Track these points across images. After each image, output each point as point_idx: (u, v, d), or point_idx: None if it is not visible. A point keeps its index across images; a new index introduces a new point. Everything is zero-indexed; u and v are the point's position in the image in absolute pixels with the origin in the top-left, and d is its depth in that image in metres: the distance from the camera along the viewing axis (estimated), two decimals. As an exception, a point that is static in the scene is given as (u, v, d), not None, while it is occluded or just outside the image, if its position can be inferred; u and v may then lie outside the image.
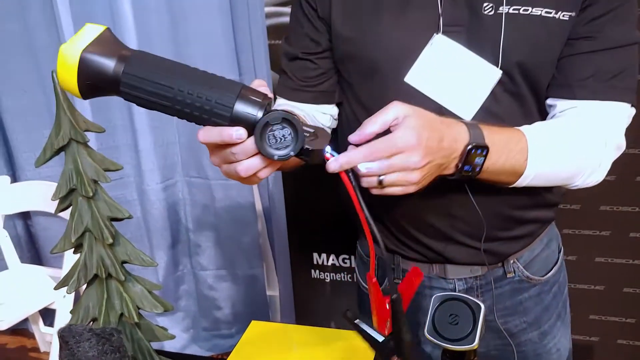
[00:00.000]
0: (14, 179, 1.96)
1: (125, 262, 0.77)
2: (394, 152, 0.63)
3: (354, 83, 0.88)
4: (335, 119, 0.96)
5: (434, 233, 0.90)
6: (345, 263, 1.63)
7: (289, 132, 0.56)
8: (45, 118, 1.82)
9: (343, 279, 1.64)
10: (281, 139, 0.56)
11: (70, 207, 0.75)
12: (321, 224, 1.58)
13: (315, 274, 1.65)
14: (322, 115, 0.94)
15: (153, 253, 1.93)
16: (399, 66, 0.82)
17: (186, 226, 1.93)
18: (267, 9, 1.45)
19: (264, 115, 0.55)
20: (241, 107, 0.55)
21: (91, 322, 0.75)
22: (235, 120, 0.55)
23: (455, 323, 0.70)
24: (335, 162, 0.60)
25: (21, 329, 2.16)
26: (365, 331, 0.63)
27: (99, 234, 0.74)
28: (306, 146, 0.56)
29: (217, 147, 0.59)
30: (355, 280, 1.11)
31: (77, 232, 0.73)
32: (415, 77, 0.81)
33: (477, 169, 0.71)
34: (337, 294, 1.63)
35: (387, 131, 0.65)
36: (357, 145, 0.63)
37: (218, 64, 1.64)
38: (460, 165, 0.69)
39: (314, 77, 0.91)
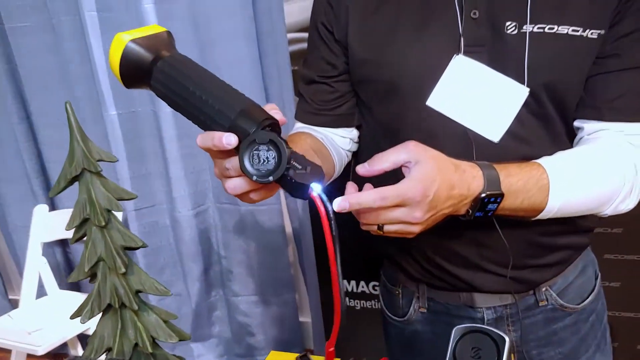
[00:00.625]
0: (52, 207, 2.01)
1: (139, 291, 0.77)
2: (399, 203, 0.62)
3: (372, 106, 0.86)
4: (356, 142, 0.94)
5: (460, 261, 0.86)
6: (376, 290, 1.60)
7: (273, 156, 0.54)
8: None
9: (374, 307, 1.60)
10: (264, 161, 0.54)
11: (85, 237, 0.75)
12: (350, 250, 1.55)
13: (345, 300, 1.62)
14: (341, 139, 0.92)
15: (186, 279, 1.94)
16: (419, 89, 0.79)
17: (218, 252, 1.93)
18: (290, 35, 1.46)
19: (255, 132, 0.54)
20: (240, 120, 0.54)
21: (106, 352, 0.75)
22: (233, 131, 0.54)
23: (477, 357, 0.67)
24: (343, 202, 0.59)
25: (60, 354, 2.20)
26: None
27: (112, 263, 0.73)
28: (290, 177, 0.54)
29: (217, 158, 0.58)
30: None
31: (91, 262, 0.73)
32: (437, 99, 0.79)
33: (490, 214, 0.69)
34: (367, 322, 1.59)
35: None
36: (356, 182, 0.61)
37: (244, 90, 1.65)
38: (471, 211, 0.67)
39: (331, 100, 0.90)
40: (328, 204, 0.54)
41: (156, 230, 1.92)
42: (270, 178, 0.53)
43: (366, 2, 0.83)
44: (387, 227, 0.63)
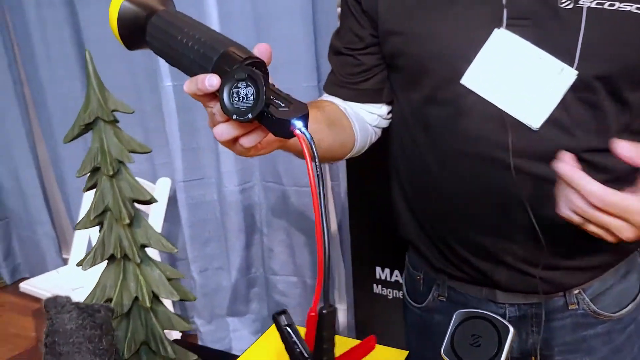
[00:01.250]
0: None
1: (144, 245, 0.77)
2: (616, 214, 0.59)
3: (401, 82, 0.82)
4: (386, 119, 0.89)
5: (486, 255, 0.80)
6: (411, 280, 1.54)
7: (252, 92, 0.51)
8: (135, 117, 1.92)
9: (407, 297, 1.55)
10: (244, 99, 0.51)
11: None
12: (386, 236, 1.51)
13: (377, 288, 1.58)
14: (368, 115, 0.88)
15: (228, 254, 1.96)
16: (452, 65, 0.73)
17: (260, 230, 1.94)
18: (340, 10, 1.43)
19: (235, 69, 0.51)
20: (222, 61, 0.52)
21: (106, 302, 0.75)
22: (216, 73, 0.52)
23: (477, 345, 0.62)
24: (571, 170, 0.58)
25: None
26: (288, 339, 0.54)
27: (118, 214, 0.73)
28: (271, 114, 0.51)
29: (206, 105, 0.57)
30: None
31: (97, 210, 0.74)
32: (472, 78, 0.73)
33: None
34: (398, 312, 1.55)
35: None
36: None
37: (298, 69, 1.64)
38: None
39: (357, 73, 0.86)
40: (312, 143, 0.50)
41: (203, 203, 1.94)
42: (249, 115, 0.51)
43: None
44: (590, 227, 0.61)
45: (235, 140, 0.56)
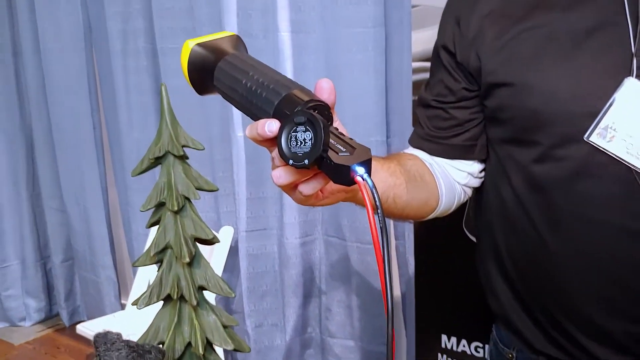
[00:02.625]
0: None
1: (202, 287, 0.73)
2: None
3: (510, 138, 0.74)
4: (477, 177, 0.83)
5: (603, 339, 0.70)
6: (478, 352, 1.43)
7: (310, 137, 0.47)
8: (205, 165, 1.94)
9: (474, 371, 1.44)
10: (302, 143, 0.48)
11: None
12: (454, 301, 1.42)
13: (442, 359, 1.47)
14: (457, 172, 0.82)
15: (284, 310, 1.90)
16: (576, 120, 0.67)
17: (319, 287, 1.87)
18: (415, 64, 1.41)
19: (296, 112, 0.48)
20: (283, 104, 0.49)
21: (161, 345, 0.71)
22: (276, 117, 0.50)
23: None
24: None
25: None
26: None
27: (178, 252, 0.71)
28: (329, 159, 0.46)
29: (269, 149, 0.54)
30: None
31: (158, 247, 0.71)
32: (601, 134, 0.66)
33: None
34: (464, 387, 1.43)
35: None
36: None
37: (367, 123, 1.62)
38: None
39: (447, 128, 0.80)
40: (374, 191, 0.46)
41: (263, 254, 1.91)
42: (306, 161, 0.47)
43: (506, 14, 0.73)
44: None
45: (295, 186, 0.52)
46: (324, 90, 0.51)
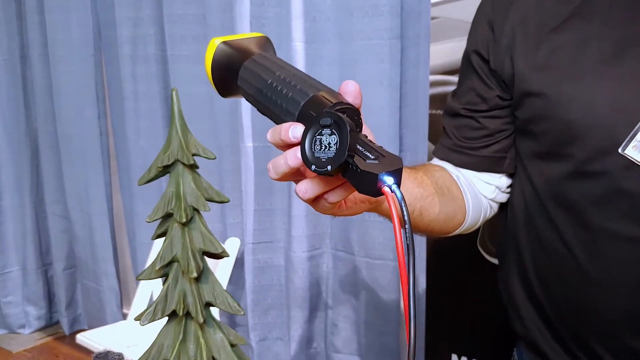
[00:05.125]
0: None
1: (209, 303, 0.69)
2: None
3: (541, 151, 0.71)
4: (504, 192, 0.79)
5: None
6: (491, 374, 1.38)
7: (335, 141, 0.44)
8: (213, 175, 1.91)
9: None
10: (326, 148, 0.44)
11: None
12: (466, 320, 1.37)
13: (452, 379, 1.42)
14: (484, 185, 0.78)
15: (289, 324, 1.86)
16: (608, 132, 0.65)
17: (325, 301, 1.83)
18: (432, 78, 1.37)
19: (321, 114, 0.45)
20: (309, 106, 0.46)
21: (162, 365, 0.67)
22: (301, 120, 0.46)
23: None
24: None
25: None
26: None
27: (185, 266, 0.67)
28: (355, 165, 0.43)
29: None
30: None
31: (164, 260, 0.67)
32: (635, 147, 0.64)
33: None
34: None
35: None
36: None
37: (380, 136, 1.58)
38: None
39: (477, 138, 0.76)
40: (403, 204, 0.42)
41: (269, 267, 1.88)
42: (329, 167, 0.43)
43: (541, 22, 0.70)
44: None
45: (319, 195, 0.49)
46: (349, 93, 0.48)
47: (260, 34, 0.61)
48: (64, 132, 2.23)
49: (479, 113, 0.76)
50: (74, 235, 2.33)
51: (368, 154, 0.44)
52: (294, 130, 0.46)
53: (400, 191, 0.43)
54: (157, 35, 1.95)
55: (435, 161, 0.80)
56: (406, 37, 1.55)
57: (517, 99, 0.71)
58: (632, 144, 0.63)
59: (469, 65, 0.76)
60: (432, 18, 1.40)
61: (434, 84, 1.39)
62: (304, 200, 0.49)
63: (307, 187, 0.47)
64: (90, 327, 2.27)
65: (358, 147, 0.44)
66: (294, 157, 0.46)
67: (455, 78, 1.28)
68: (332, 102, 0.47)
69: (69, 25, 2.10)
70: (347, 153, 0.43)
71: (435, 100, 1.39)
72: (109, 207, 2.22)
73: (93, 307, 2.36)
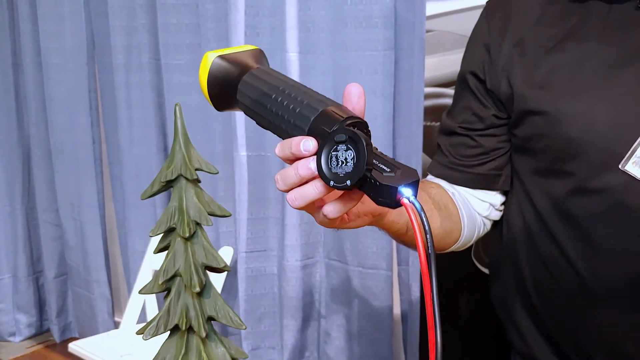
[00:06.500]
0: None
1: (211, 318, 0.70)
2: None
3: (541, 168, 0.73)
4: (498, 210, 0.81)
5: None
6: (484, 385, 1.40)
7: (352, 156, 0.45)
8: (207, 184, 1.91)
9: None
10: (343, 163, 0.45)
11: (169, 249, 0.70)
12: (460, 331, 1.39)
13: (446, 389, 1.43)
14: (478, 203, 0.80)
15: (282, 333, 1.86)
16: (609, 148, 0.67)
17: (319, 311, 1.84)
18: (427, 90, 1.39)
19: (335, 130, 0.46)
20: (320, 120, 0.47)
21: (164, 378, 0.68)
22: (312, 135, 0.47)
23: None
24: None
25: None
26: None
27: (188, 281, 0.67)
28: (374, 179, 0.44)
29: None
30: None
31: (167, 275, 0.68)
32: (635, 163, 0.66)
33: None
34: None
35: None
36: None
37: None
38: None
39: (472, 156, 0.78)
40: (423, 214, 0.44)
41: (262, 276, 1.88)
42: (348, 182, 0.45)
43: (537, 43, 0.72)
44: None
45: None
46: (353, 95, 0.49)
47: (253, 47, 0.62)
48: (56, 139, 2.22)
49: (475, 131, 0.77)
50: (66, 243, 2.32)
51: (384, 167, 0.46)
52: (306, 143, 0.47)
53: (419, 202, 0.44)
54: (151, 44, 1.96)
55: (431, 178, 0.82)
56: (400, 48, 1.56)
57: (516, 117, 0.73)
58: (632, 160, 0.64)
59: (464, 86, 0.78)
60: (428, 31, 1.42)
61: (428, 96, 1.41)
62: (328, 219, 0.50)
63: (333, 208, 0.48)
64: (81, 335, 2.26)
65: (374, 161, 0.46)
66: (305, 168, 0.47)
67: (449, 90, 1.31)
68: (342, 117, 0.49)
69: (62, 34, 2.10)
70: (365, 167, 0.45)
71: (429, 112, 1.40)
72: (101, 215, 2.21)
73: (84, 315, 2.35)
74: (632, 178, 0.64)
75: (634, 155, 0.64)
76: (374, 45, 1.57)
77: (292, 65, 1.68)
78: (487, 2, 0.79)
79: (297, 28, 1.66)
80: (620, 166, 0.64)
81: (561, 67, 0.68)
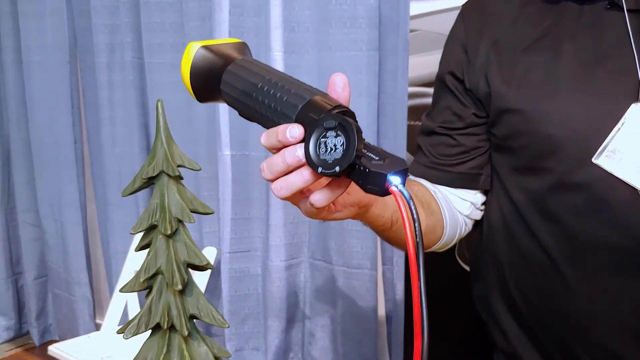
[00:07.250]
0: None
1: (194, 316, 0.69)
2: None
3: (520, 166, 0.74)
4: (479, 209, 0.81)
5: None
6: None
7: (341, 142, 0.45)
8: (190, 183, 1.89)
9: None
10: (332, 149, 0.45)
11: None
12: (445, 331, 1.39)
13: (431, 390, 1.43)
14: (459, 202, 0.80)
15: (266, 334, 1.86)
16: (584, 144, 0.68)
17: (303, 311, 1.83)
18: (411, 89, 1.40)
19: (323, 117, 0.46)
20: (308, 108, 0.47)
21: (145, 378, 0.67)
22: (299, 122, 0.47)
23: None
24: None
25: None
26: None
27: (170, 278, 0.67)
28: (363, 165, 0.44)
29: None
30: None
31: (148, 273, 0.67)
32: (607, 157, 0.67)
33: None
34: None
35: None
36: None
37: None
38: None
39: (452, 155, 0.79)
40: (412, 203, 0.44)
41: (246, 277, 1.87)
42: (337, 168, 0.45)
43: (513, 43, 0.73)
44: None
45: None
46: (337, 85, 0.49)
47: (237, 40, 0.62)
48: (37, 139, 2.19)
49: (455, 131, 0.78)
50: (46, 244, 2.28)
51: (372, 155, 0.46)
52: (292, 130, 0.47)
53: (407, 190, 0.44)
54: (135, 43, 1.94)
55: (412, 178, 0.82)
56: (384, 48, 1.57)
57: (494, 116, 0.74)
58: (604, 154, 0.66)
59: (443, 86, 0.79)
60: (411, 31, 1.42)
61: (411, 95, 1.42)
62: (314, 209, 0.49)
63: (321, 196, 0.48)
64: (62, 338, 2.23)
65: (363, 149, 0.46)
66: (292, 155, 0.46)
67: (432, 90, 1.31)
68: (331, 105, 0.48)
69: (43, 31, 2.07)
70: (355, 154, 0.44)
71: (414, 112, 1.41)
72: (82, 216, 2.19)
73: (65, 317, 2.32)
74: (608, 173, 0.66)
75: (606, 150, 0.65)
76: (358, 46, 1.57)
77: (276, 64, 1.67)
78: (463, 5, 0.81)
79: (281, 28, 1.65)
80: (593, 159, 0.65)
81: (537, 65, 0.70)
